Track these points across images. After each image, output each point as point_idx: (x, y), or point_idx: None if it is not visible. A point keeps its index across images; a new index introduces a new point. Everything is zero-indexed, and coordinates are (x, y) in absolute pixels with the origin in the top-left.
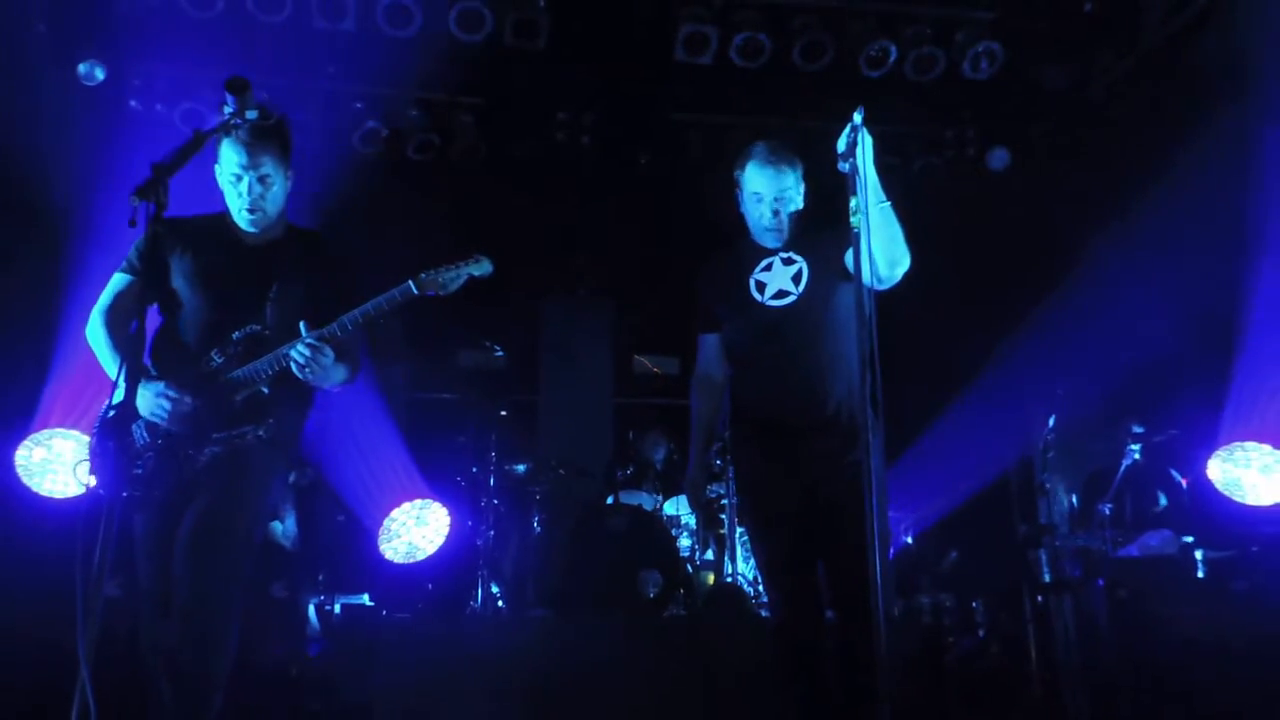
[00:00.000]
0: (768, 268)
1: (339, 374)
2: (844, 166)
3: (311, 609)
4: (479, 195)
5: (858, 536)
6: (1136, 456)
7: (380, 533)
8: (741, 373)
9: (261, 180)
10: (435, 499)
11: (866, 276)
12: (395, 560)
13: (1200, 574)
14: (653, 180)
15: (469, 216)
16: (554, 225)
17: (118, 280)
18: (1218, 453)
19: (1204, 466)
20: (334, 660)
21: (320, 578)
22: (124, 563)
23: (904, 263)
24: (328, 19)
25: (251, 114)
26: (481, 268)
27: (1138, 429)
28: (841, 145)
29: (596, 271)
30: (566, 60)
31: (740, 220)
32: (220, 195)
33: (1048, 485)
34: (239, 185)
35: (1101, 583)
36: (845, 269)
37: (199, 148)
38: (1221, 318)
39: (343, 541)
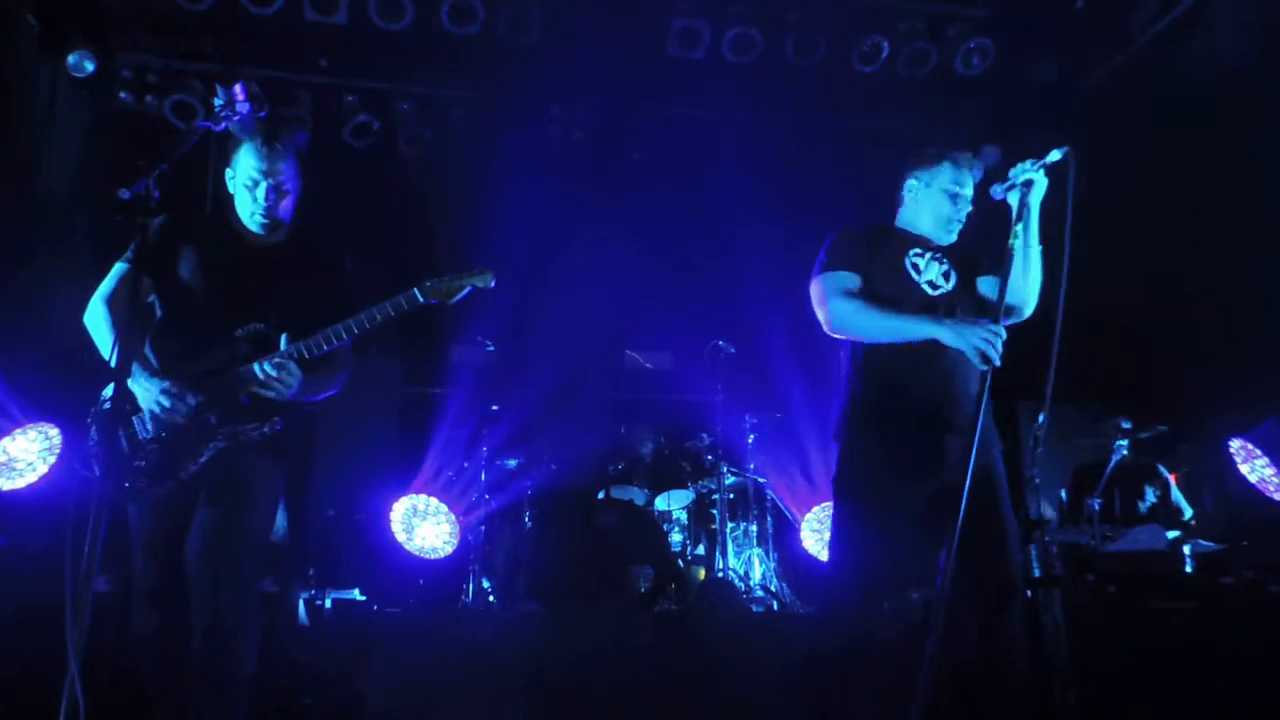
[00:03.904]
0: (920, 255)
1: (319, 387)
2: (999, 193)
3: (301, 604)
4: (471, 189)
5: (1006, 527)
6: (1125, 453)
7: (396, 514)
8: (886, 350)
9: (277, 188)
10: (446, 506)
11: (1021, 297)
12: (408, 547)
13: (1189, 569)
14: (645, 174)
15: (460, 210)
16: (545, 219)
17: (119, 270)
18: (1236, 440)
19: (1219, 457)
20: (325, 655)
21: (311, 572)
22: (115, 557)
23: (1033, 303)
24: (319, 11)
25: (243, 107)
26: (485, 280)
27: (1126, 425)
28: (1020, 175)
29: (589, 265)
30: (559, 54)
31: (885, 206)
32: (209, 191)
33: (1037, 480)
34: (255, 191)
35: (1091, 578)
36: (977, 288)
37: (190, 141)
38: (1213, 312)
39: (334, 536)
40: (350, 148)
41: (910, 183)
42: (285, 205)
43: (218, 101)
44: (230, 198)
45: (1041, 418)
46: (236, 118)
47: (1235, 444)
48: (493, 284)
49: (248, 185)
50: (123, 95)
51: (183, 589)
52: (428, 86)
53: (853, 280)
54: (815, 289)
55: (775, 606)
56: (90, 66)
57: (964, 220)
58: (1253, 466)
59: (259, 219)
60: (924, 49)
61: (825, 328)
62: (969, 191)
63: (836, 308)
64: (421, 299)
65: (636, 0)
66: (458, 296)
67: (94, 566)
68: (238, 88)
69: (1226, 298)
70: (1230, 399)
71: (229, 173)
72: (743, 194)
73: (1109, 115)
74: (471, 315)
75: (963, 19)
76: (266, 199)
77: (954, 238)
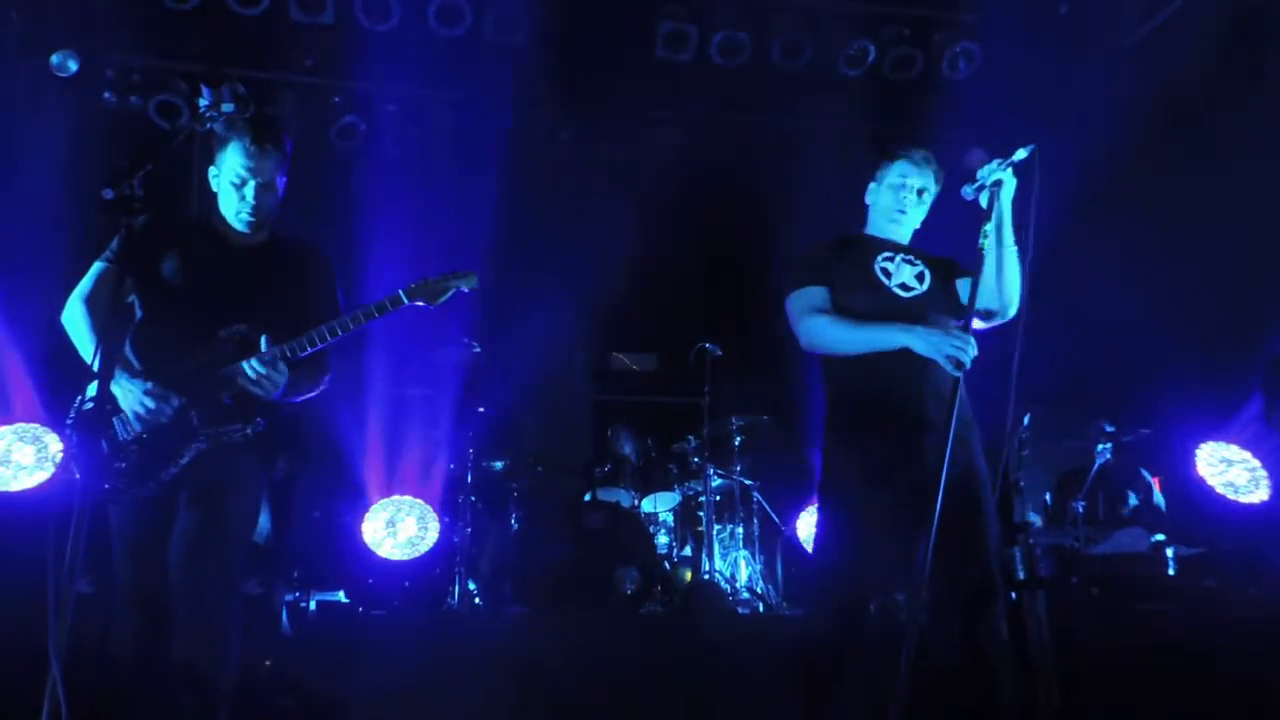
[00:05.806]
0: (890, 259)
1: (302, 388)
2: (969, 193)
3: (284, 610)
4: (457, 191)
5: (984, 524)
6: (1108, 456)
7: (369, 517)
8: (855, 356)
9: (264, 188)
10: (427, 503)
11: (1002, 298)
12: (389, 549)
13: (1171, 571)
14: (631, 177)
15: (446, 212)
16: (532, 221)
17: (98, 269)
18: (1207, 444)
19: (1186, 462)
20: (308, 657)
21: (295, 574)
22: (97, 559)
23: (1016, 303)
24: (305, 12)
25: (228, 107)
26: (470, 282)
27: (1109, 428)
28: (989, 176)
29: (575, 267)
30: (546, 56)
31: (858, 216)
32: (192, 191)
33: (1022, 483)
34: (241, 190)
35: (1075, 580)
36: (954, 289)
37: (175, 141)
38: (1198, 316)
39: (319, 538)
40: (336, 148)
41: (871, 186)
42: (270, 205)
43: (202, 101)
44: (214, 197)
45: (1026, 420)
46: (221, 118)
47: (1205, 447)
48: (477, 286)
49: (234, 183)
50: (107, 95)
51: (165, 591)
52: (414, 87)
53: (820, 295)
54: (788, 308)
55: (761, 608)
56: (74, 66)
57: (906, 210)
58: (1222, 469)
59: (245, 218)
60: (910, 53)
61: (801, 345)
62: (916, 182)
63: (805, 326)
64: (406, 301)
65: (624, 2)
66: (442, 298)
67: (76, 568)
68: (223, 88)
69: (1210, 301)
70: (1211, 403)
71: (213, 171)
72: (730, 196)
73: (1093, 119)
74: (457, 316)
75: (949, 23)
76: (254, 198)
77: (905, 229)
